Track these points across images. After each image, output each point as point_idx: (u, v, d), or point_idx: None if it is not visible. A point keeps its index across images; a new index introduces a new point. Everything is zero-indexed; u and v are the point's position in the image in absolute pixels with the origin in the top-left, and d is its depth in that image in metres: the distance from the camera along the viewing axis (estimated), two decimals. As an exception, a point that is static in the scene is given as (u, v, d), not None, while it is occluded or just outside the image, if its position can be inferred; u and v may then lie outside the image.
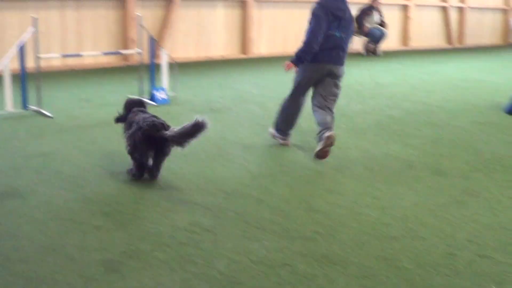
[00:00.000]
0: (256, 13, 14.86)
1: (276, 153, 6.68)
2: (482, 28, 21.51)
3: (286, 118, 6.92)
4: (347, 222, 4.88)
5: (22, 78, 8.02)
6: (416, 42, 18.96)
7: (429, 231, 4.77)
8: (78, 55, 9.71)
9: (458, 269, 4.16)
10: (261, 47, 15.22)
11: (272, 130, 7.12)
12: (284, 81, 11.14)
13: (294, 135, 7.38)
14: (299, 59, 6.59)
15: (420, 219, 4.99)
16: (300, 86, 6.75)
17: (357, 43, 16.62)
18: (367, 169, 6.29)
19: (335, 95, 6.69)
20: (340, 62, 6.63)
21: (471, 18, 20.73)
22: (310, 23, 6.63)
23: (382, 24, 16.49)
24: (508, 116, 9.18)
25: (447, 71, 13.76)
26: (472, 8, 20.67)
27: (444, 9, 19.68)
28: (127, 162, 5.77)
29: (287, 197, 5.38)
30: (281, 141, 7.03)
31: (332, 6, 6.51)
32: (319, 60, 6.56)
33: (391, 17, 17.93)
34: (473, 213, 5.20)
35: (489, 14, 21.72)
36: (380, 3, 16.23)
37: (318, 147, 6.33)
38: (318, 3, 6.61)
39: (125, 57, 12.75)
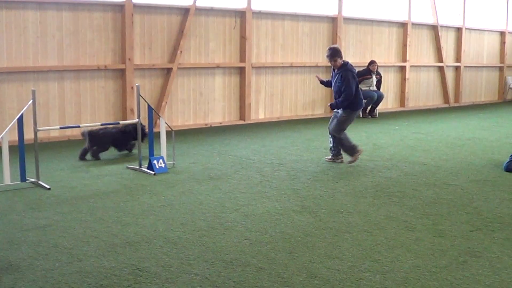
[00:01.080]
0: (254, 79, 15.04)
1: (276, 219, 6.65)
2: (478, 86, 21.74)
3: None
4: (348, 287, 4.83)
5: (21, 151, 8.06)
6: (413, 102, 19.15)
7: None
8: (76, 127, 9.77)
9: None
10: (259, 112, 15.35)
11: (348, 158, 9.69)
12: (282, 146, 11.20)
13: (293, 201, 7.39)
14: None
15: (422, 282, 4.94)
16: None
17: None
18: (366, 232, 6.26)
19: None
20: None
21: (467, 77, 20.98)
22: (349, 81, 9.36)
23: (378, 86, 16.69)
24: (506, 174, 9.20)
25: (444, 130, 13.83)
26: (467, 66, 20.93)
27: (440, 69, 19.92)
28: (127, 233, 5.73)
29: (287, 264, 5.33)
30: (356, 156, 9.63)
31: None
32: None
33: (388, 78, 18.16)
34: (475, 274, 5.16)
35: (485, 72, 21.98)
36: (377, 66, 16.47)
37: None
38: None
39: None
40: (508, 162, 9.45)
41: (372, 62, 16.43)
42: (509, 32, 22.52)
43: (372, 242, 5.94)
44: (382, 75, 17.09)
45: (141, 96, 9.23)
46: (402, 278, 5.02)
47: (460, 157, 10.47)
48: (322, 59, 16.32)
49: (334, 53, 9.40)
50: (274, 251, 5.66)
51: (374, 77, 16.41)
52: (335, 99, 9.64)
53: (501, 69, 22.49)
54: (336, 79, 9.50)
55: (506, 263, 5.44)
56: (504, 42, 22.35)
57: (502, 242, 6.02)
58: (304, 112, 16.31)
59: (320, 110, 16.69)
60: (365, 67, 16.43)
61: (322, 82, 10.09)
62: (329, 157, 9.95)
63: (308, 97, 16.34)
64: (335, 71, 9.58)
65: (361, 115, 16.32)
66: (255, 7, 14.85)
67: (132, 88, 12.67)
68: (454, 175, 9.06)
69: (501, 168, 9.53)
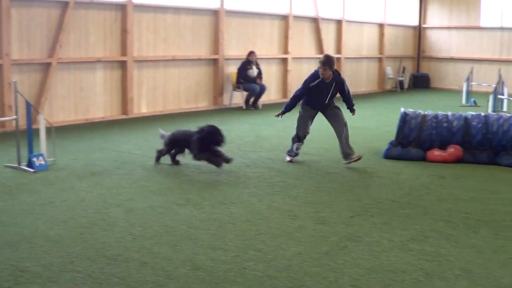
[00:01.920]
0: (136, 73, 14.82)
1: (159, 213, 6.59)
2: (359, 76, 22.38)
3: None
4: (232, 277, 4.86)
5: None
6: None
7: (313, 279, 4.83)
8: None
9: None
10: (141, 106, 15.14)
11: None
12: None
13: (177, 194, 7.35)
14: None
15: (304, 269, 5.05)
16: None
17: (237, 97, 16.88)
18: (249, 222, 6.31)
19: None
20: None
21: (348, 68, 21.53)
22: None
23: (260, 76, 16.83)
24: (385, 161, 9.52)
25: (325, 120, 14.07)
26: (348, 58, 21.50)
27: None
28: (6, 233, 5.51)
29: (171, 257, 5.30)
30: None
31: None
32: None
33: (270, 70, 18.36)
34: (355, 258, 5.32)
35: (365, 63, 22.65)
36: (256, 56, 16.60)
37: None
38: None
39: (2, 123, 12.35)
40: (387, 150, 9.80)
41: (251, 53, 16.56)
42: (387, 24, 23.30)
43: (255, 232, 6.00)
44: (262, 67, 17.21)
45: (19, 92, 8.89)
46: (285, 266, 5.10)
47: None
48: (205, 52, 16.32)
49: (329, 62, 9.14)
50: (158, 245, 5.61)
51: (254, 67, 16.53)
52: (326, 104, 9.42)
53: (380, 60, 23.24)
54: (332, 88, 9.29)
55: (385, 246, 5.64)
56: (383, 34, 23.11)
57: (381, 226, 6.23)
58: (188, 105, 16.23)
59: (203, 103, 16.66)
60: (245, 59, 16.52)
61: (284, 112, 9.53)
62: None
63: (191, 90, 16.28)
64: (325, 82, 9.25)
65: (244, 107, 16.44)
66: (137, 0, 14.63)
67: (9, 84, 12.19)
68: (335, 163, 9.29)
69: (381, 155, 9.86)
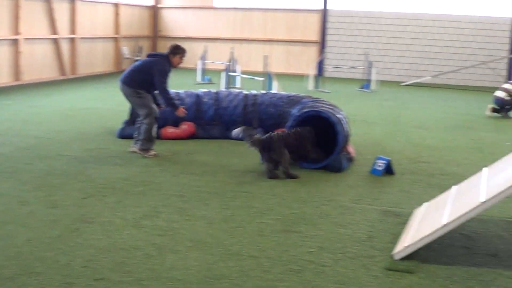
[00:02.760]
0: None
1: None
2: (95, 57, 22.01)
3: None
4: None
5: None
6: (29, 76, 18.65)
7: (45, 265, 4.70)
8: None
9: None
10: None
11: None
12: None
13: None
14: None
15: (35, 255, 4.89)
16: None
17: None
18: (-25, 212, 5.96)
19: None
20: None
21: (83, 48, 21.05)
22: None
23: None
24: (119, 140, 9.50)
25: (59, 102, 13.71)
26: (83, 38, 21.02)
27: (55, 41, 19.68)
28: None
29: None
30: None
31: None
32: None
33: (0, 52, 17.37)
34: (88, 239, 5.27)
35: (101, 43, 22.32)
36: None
37: None
38: None
39: None
40: (121, 129, 9.78)
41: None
42: (123, 4, 23.16)
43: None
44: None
45: None
46: (15, 253, 4.90)
47: (74, 128, 10.50)
48: None
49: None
50: None
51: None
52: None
53: (116, 40, 23.06)
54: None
55: (118, 225, 5.65)
56: (118, 14, 22.94)
57: (113, 206, 6.23)
58: None
59: None
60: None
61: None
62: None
63: None
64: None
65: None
66: None
67: None
68: (67, 145, 9.07)
69: (115, 135, 9.82)
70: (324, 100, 9.17)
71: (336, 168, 7.91)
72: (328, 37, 23.12)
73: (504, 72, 21.10)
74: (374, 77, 18.91)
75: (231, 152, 9.01)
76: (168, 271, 4.67)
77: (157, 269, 4.70)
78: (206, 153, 8.84)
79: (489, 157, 8.74)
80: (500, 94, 13.80)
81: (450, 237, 5.49)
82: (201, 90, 10.35)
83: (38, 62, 19.06)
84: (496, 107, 13.85)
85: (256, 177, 7.55)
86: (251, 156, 8.45)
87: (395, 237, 5.54)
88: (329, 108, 8.40)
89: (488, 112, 13.92)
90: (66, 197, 6.47)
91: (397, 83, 21.00)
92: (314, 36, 23.35)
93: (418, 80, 20.86)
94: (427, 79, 20.78)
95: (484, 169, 6.14)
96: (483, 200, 5.02)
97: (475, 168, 6.41)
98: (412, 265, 4.90)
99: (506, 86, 13.92)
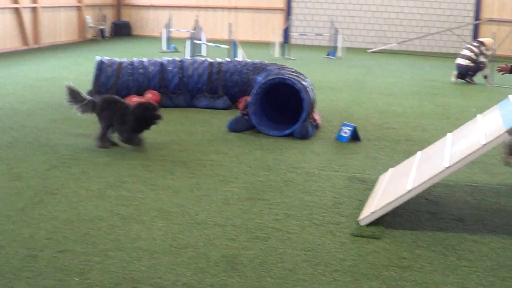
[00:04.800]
0: None
1: None
2: (58, 26, 21.62)
3: None
4: None
5: None
6: (-10, 46, 18.29)
7: (7, 238, 4.64)
8: None
9: (40, 269, 4.13)
10: None
11: None
12: None
13: None
14: None
15: (-2, 228, 4.81)
16: None
17: None
18: None
19: None
20: None
21: (45, 17, 20.67)
22: None
23: None
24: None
25: (23, 73, 13.46)
26: (45, 7, 20.61)
27: (16, 10, 19.28)
28: None
29: None
30: None
31: None
32: None
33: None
34: (52, 211, 5.20)
35: (64, 12, 21.92)
36: None
37: None
38: None
39: None
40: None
41: None
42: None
43: None
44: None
45: None
46: (-26, 227, 4.82)
47: (38, 98, 10.33)
48: None
49: None
50: None
51: None
52: None
53: (79, 8, 22.67)
54: None
55: (83, 196, 5.59)
56: (81, -18, 22.56)
57: (78, 177, 6.16)
58: None
59: None
60: None
61: None
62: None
63: None
64: None
65: None
66: None
67: None
68: (31, 116, 8.93)
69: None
70: (289, 68, 9.12)
71: (302, 135, 7.90)
72: (294, 4, 22.97)
73: (469, 39, 21.19)
74: (340, 44, 18.88)
75: (197, 120, 8.95)
76: (133, 241, 4.63)
77: (122, 239, 4.66)
78: (171, 122, 8.75)
79: (455, 123, 8.80)
80: (462, 62, 13.87)
81: (416, 203, 5.53)
82: (166, 58, 10.23)
83: (0, 33, 18.68)
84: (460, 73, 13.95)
85: (222, 146, 7.51)
86: (217, 124, 8.41)
87: (361, 203, 5.56)
88: (294, 75, 8.36)
89: (453, 79, 14.00)
90: (30, 169, 6.37)
91: (364, 50, 21.00)
92: (280, 3, 23.19)
93: (384, 47, 20.88)
94: (393, 45, 20.80)
95: (448, 134, 6.18)
96: (448, 165, 5.04)
97: (440, 134, 6.46)
98: (378, 231, 4.93)
99: (466, 52, 13.96)
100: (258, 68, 9.69)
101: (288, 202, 5.59)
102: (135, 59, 10.10)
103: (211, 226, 4.97)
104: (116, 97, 7.68)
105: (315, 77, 11.51)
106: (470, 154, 5.02)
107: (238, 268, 4.25)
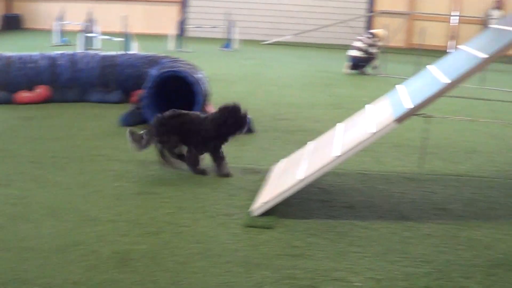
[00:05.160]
0: None
1: None
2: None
3: None
4: None
5: None
6: None
7: None
8: None
9: None
10: None
11: None
12: None
13: None
14: None
15: None
16: None
17: None
18: None
19: None
20: None
21: None
22: None
23: None
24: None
25: None
26: None
27: None
28: None
29: None
30: None
31: None
32: None
33: None
34: None
35: None
36: None
37: None
38: None
39: None
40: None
41: None
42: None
43: None
44: None
45: None
46: None
47: None
48: None
49: None
50: None
51: None
52: None
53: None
54: None
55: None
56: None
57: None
58: None
59: None
60: None
61: None
62: None
63: None
64: None
65: None
66: None
67: None
68: None
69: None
70: (183, 60, 9.06)
71: (196, 128, 7.86)
72: (190, -3, 22.91)
73: (362, 31, 21.74)
74: (236, 36, 18.96)
75: (88, 115, 8.76)
76: (20, 241, 4.47)
77: (9, 239, 4.49)
78: (62, 117, 8.54)
79: (347, 113, 8.93)
80: (354, 53, 14.23)
81: (308, 192, 5.61)
82: (56, 52, 9.96)
83: None
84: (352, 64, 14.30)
85: (115, 140, 7.38)
86: (110, 119, 8.26)
87: (254, 194, 5.59)
88: (187, 68, 8.32)
89: (346, 70, 14.34)
90: None
91: (260, 42, 21.18)
92: (176, -5, 23.06)
93: (279, 39, 21.13)
94: (288, 38, 21.08)
95: (339, 124, 6.31)
96: (338, 154, 5.15)
97: (333, 124, 6.57)
98: (270, 221, 4.97)
99: (358, 44, 14.33)
100: (152, 61, 9.57)
101: (181, 196, 5.56)
102: (24, 53, 9.77)
103: (103, 222, 4.87)
104: (177, 110, 6.41)
105: (210, 70, 11.49)
106: (360, 143, 5.14)
107: (130, 263, 4.18)
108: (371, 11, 22.28)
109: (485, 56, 5.21)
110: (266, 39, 21.69)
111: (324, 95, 11.22)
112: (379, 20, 21.90)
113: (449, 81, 5.20)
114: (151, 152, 6.85)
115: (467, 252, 4.63)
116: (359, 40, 14.44)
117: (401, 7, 22.20)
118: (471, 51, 5.78)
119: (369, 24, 22.21)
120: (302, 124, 8.72)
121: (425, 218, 5.29)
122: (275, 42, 21.02)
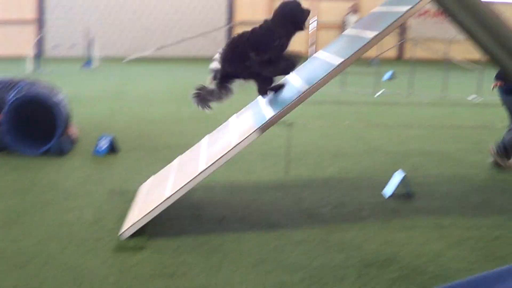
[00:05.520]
0: None
1: None
2: None
3: None
4: None
5: None
6: None
7: None
8: None
9: None
10: None
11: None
12: None
13: None
14: None
15: None
16: None
17: None
18: None
19: None
20: None
21: None
22: None
23: None
24: None
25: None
26: None
27: None
28: None
29: None
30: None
31: None
32: None
33: None
34: None
35: None
36: None
37: None
38: None
39: None
40: None
41: None
42: None
43: None
44: None
45: None
46: None
47: None
48: None
49: None
50: None
51: None
52: None
53: None
54: None
55: None
56: None
57: None
58: None
59: None
60: None
61: None
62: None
63: None
64: None
65: None
66: None
67: None
68: None
69: None
70: (41, 83, 8.75)
71: (58, 152, 7.63)
72: (47, 15, 22.20)
73: (223, 42, 21.94)
74: (97, 53, 18.60)
75: None
76: None
77: None
78: None
79: (214, 126, 8.92)
80: (215, 65, 14.28)
81: (178, 208, 5.56)
82: None
83: None
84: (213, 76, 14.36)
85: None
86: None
87: (122, 216, 5.47)
88: (46, 90, 8.05)
89: (209, 82, 14.38)
90: None
91: (122, 59, 20.89)
92: (31, 14, 22.27)
93: (141, 55, 20.91)
94: (149, 53, 20.90)
95: (205, 137, 6.31)
96: (203, 168, 5.13)
97: (199, 138, 6.56)
98: (141, 242, 4.89)
99: (218, 56, 14.41)
100: (8, 85, 9.16)
101: (48, 223, 5.35)
102: None
103: (-40, 260, 4.60)
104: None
105: (72, 90, 11.19)
106: (224, 155, 5.15)
107: (-6, 301, 3.98)
108: (231, 22, 22.53)
109: (341, 60, 5.35)
110: (129, 54, 21.40)
111: (189, 109, 11.07)
112: (239, 31, 22.16)
113: (307, 87, 5.30)
114: (14, 180, 6.59)
115: (339, 254, 4.76)
116: (220, 52, 14.52)
117: (260, 16, 22.57)
118: (327, 56, 5.94)
119: (230, 35, 22.42)
120: (168, 140, 8.65)
121: (296, 225, 5.39)
122: (137, 57, 20.77)
